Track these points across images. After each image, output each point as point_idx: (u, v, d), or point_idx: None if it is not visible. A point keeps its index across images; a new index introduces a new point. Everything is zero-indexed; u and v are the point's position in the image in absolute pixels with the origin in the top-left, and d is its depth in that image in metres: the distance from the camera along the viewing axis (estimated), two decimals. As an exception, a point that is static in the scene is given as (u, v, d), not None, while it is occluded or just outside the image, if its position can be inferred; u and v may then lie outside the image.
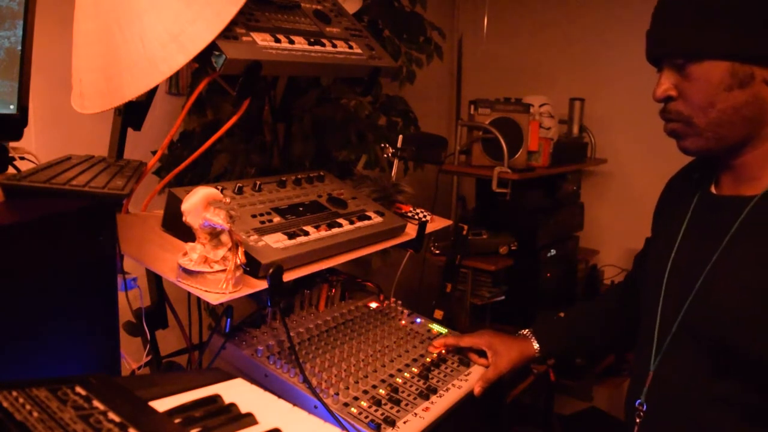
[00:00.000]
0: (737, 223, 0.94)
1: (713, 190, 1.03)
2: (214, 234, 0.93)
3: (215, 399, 0.65)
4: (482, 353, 1.27)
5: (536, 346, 1.30)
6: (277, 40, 1.08)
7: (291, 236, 1.06)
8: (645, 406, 1.04)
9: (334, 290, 1.38)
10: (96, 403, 0.56)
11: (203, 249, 0.93)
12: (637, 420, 1.05)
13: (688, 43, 0.91)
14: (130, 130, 1.20)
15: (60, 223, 0.78)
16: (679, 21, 0.92)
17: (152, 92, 1.13)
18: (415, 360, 1.23)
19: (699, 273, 0.97)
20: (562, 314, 1.42)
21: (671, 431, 1.01)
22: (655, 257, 1.10)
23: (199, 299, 1.14)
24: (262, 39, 1.06)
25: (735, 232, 0.95)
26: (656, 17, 0.96)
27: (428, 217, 1.42)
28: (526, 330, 1.33)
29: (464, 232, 1.94)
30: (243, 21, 1.06)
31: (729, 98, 0.90)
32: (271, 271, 0.95)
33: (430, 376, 1.18)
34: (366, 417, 1.02)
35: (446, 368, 1.23)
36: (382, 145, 1.66)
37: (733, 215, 0.95)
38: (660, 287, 1.04)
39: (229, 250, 0.93)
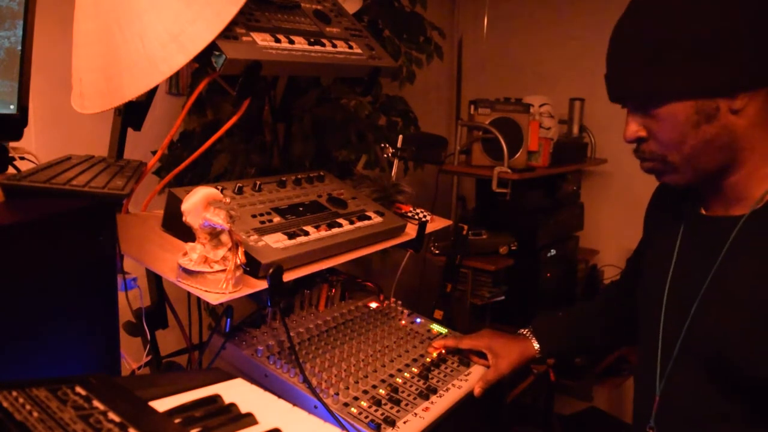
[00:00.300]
0: (728, 242, 0.94)
1: (703, 210, 1.02)
2: (214, 234, 0.93)
3: (215, 399, 0.65)
4: (482, 355, 1.27)
5: (536, 346, 1.30)
6: (277, 40, 1.08)
7: (291, 236, 1.06)
8: (656, 430, 1.03)
9: (334, 290, 1.38)
10: (96, 403, 0.56)
11: (203, 249, 0.93)
12: None
13: (646, 88, 0.89)
14: (130, 130, 1.20)
15: (60, 223, 0.78)
16: (632, 66, 0.90)
17: (152, 92, 1.13)
18: (415, 360, 1.23)
19: (695, 295, 0.97)
20: (560, 314, 1.42)
21: None
22: (651, 280, 1.09)
23: (199, 299, 1.14)
24: (262, 39, 1.06)
25: (726, 251, 0.94)
26: (610, 62, 0.95)
27: (428, 217, 1.42)
28: (526, 330, 1.33)
29: (464, 232, 1.94)
30: (243, 21, 1.06)
31: (699, 134, 0.89)
32: (271, 271, 0.95)
33: (430, 376, 1.18)
34: (366, 417, 1.02)
35: (446, 368, 1.23)
36: (382, 145, 1.66)
37: (724, 235, 0.95)
38: (660, 310, 1.04)
39: (229, 250, 0.93)
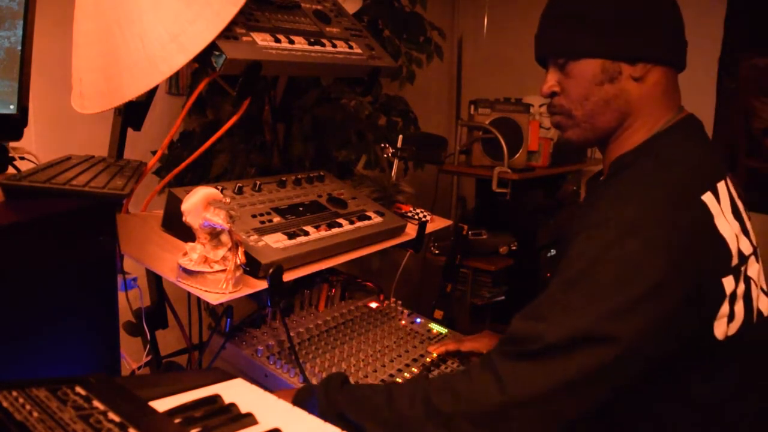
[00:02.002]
0: (589, 205, 1.06)
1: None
2: (214, 234, 0.93)
3: (215, 399, 0.65)
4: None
5: None
6: (277, 40, 1.08)
7: (291, 236, 1.06)
8: None
9: (334, 290, 1.38)
10: (96, 403, 0.56)
11: (203, 249, 0.93)
12: None
13: (566, 45, 1.02)
14: (130, 130, 1.20)
15: (60, 223, 0.78)
16: (558, 26, 1.03)
17: (152, 92, 1.13)
18: (415, 360, 1.23)
19: None
20: None
21: None
22: None
23: (199, 299, 1.14)
24: (262, 39, 1.06)
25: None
26: (541, 23, 1.08)
27: (428, 217, 1.42)
28: None
29: (464, 232, 1.94)
30: (243, 21, 1.06)
31: (601, 92, 1.01)
32: (271, 271, 0.95)
33: (430, 376, 1.18)
34: (366, 417, 1.02)
35: (446, 368, 1.23)
36: (382, 145, 1.66)
37: (591, 198, 1.10)
38: None
39: (229, 250, 0.93)
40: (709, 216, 0.91)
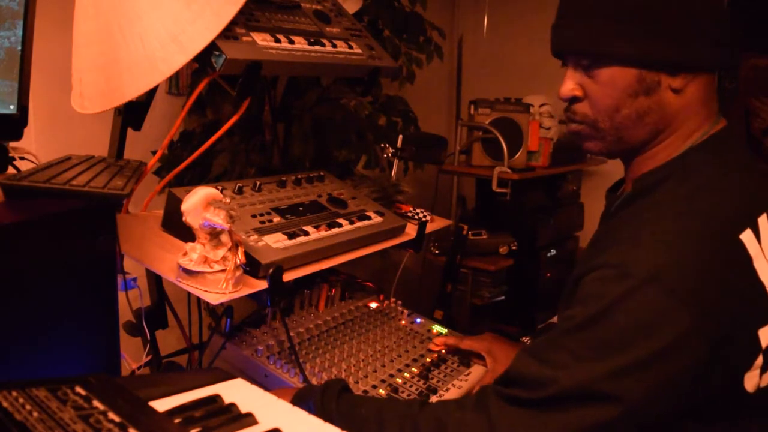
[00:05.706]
0: (608, 219, 0.98)
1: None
2: (214, 234, 0.93)
3: (215, 399, 0.65)
4: (482, 358, 1.27)
5: None
6: (277, 40, 1.08)
7: (291, 236, 1.06)
8: None
9: (334, 290, 1.38)
10: (96, 403, 0.56)
11: (203, 249, 0.93)
12: None
13: (596, 46, 0.86)
14: (130, 130, 1.20)
15: (60, 223, 0.78)
16: (587, 20, 0.87)
17: (152, 92, 1.13)
18: (415, 360, 1.23)
19: None
20: (554, 320, 1.42)
21: None
22: None
23: (199, 299, 1.14)
24: (262, 39, 1.06)
25: (599, 229, 1.00)
26: (562, 11, 0.91)
27: (428, 217, 1.42)
28: (527, 338, 1.34)
29: (464, 232, 1.94)
30: (243, 21, 1.06)
31: (634, 104, 0.87)
32: (271, 271, 0.95)
33: (430, 376, 1.18)
34: (366, 417, 1.02)
35: (446, 368, 1.23)
36: (382, 145, 1.66)
37: (609, 222, 0.98)
38: None
39: (229, 250, 0.93)
40: (747, 259, 0.78)
